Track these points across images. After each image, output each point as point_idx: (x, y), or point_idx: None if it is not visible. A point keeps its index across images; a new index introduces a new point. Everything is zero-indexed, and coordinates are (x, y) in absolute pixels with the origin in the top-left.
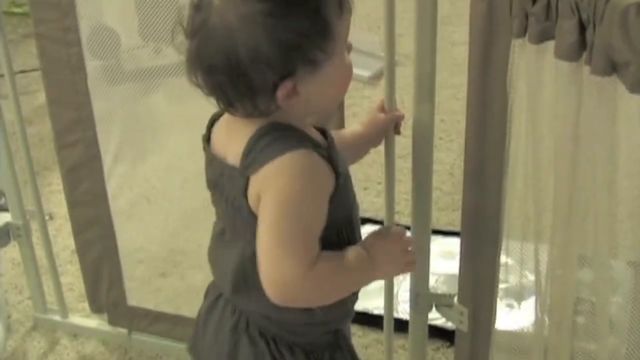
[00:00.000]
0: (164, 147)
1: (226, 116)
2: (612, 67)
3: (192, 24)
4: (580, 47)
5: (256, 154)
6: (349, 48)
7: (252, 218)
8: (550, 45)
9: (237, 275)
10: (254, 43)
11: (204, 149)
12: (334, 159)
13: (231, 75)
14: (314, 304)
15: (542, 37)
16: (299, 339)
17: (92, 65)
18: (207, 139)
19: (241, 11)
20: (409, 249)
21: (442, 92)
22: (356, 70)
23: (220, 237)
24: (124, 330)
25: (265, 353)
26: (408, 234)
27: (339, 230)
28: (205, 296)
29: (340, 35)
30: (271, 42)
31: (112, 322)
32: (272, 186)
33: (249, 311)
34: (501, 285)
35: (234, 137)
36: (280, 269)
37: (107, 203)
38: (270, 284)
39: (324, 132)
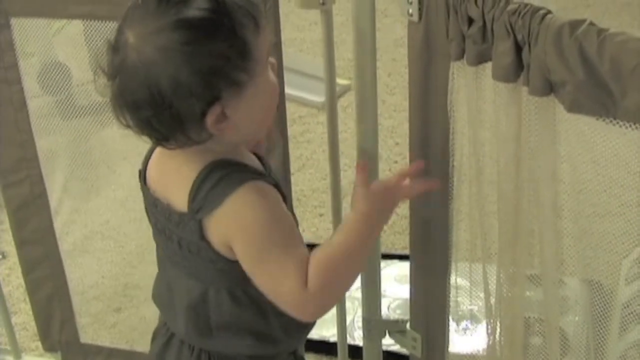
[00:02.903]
0: (118, 180)
1: (158, 153)
2: (549, 87)
3: (112, 65)
4: (517, 68)
5: (204, 196)
6: (273, 67)
7: (220, 261)
8: (489, 66)
9: (199, 317)
10: (174, 73)
11: (142, 188)
12: (277, 184)
13: (157, 109)
14: (344, 293)
15: (480, 59)
16: None
17: (41, 101)
18: (143, 175)
19: (158, 44)
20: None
21: (397, 115)
22: (310, 96)
23: (171, 279)
24: None
25: None
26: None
27: None
28: (154, 339)
29: (260, 55)
30: (191, 69)
31: None
32: (238, 229)
33: (214, 350)
34: (455, 309)
35: (172, 179)
36: (286, 296)
37: (55, 240)
38: (288, 310)
39: (260, 159)
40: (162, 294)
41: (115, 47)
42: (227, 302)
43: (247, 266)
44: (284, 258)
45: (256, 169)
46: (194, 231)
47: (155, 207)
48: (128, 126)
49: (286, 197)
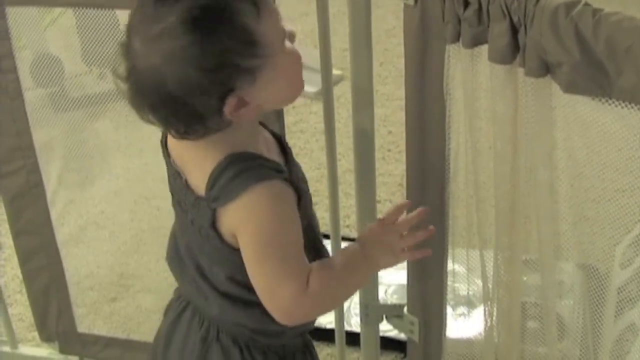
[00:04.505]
0: (112, 171)
1: None
2: (545, 68)
3: (125, 70)
4: (513, 49)
5: (220, 188)
6: (291, 36)
7: (225, 249)
8: (485, 49)
9: (206, 283)
10: (182, 76)
11: (163, 155)
12: (294, 179)
13: (172, 109)
14: (325, 313)
15: (476, 41)
16: (275, 341)
17: (35, 93)
18: (164, 142)
19: (161, 49)
20: (405, 232)
21: (389, 104)
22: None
23: (181, 246)
24: (75, 358)
25: None
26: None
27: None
28: (165, 314)
29: (267, 37)
30: (198, 70)
31: (62, 350)
32: (247, 225)
33: (222, 320)
34: (452, 294)
35: (192, 157)
36: (280, 298)
37: (51, 230)
38: (275, 312)
39: (279, 139)
40: (173, 257)
41: (125, 52)
42: (230, 284)
43: (247, 261)
44: (285, 261)
45: (274, 162)
46: (206, 218)
47: (175, 180)
48: (152, 122)
49: (302, 192)
